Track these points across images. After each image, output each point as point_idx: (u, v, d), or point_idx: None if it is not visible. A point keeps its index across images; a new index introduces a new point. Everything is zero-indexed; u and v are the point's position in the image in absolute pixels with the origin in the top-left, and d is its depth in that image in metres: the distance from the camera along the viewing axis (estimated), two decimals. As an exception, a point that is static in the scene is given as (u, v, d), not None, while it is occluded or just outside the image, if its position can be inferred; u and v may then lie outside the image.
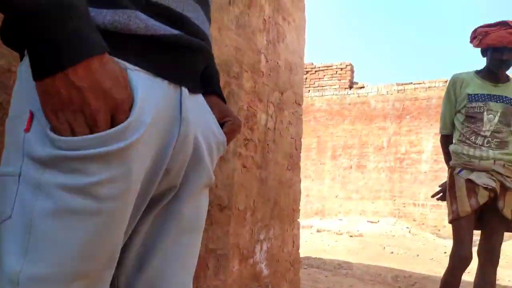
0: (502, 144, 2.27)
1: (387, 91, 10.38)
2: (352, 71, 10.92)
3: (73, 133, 0.51)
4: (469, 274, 2.73)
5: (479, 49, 2.41)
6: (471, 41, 2.40)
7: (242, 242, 2.41)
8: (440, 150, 2.73)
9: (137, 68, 0.59)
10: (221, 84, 1.42)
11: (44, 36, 0.48)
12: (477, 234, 2.33)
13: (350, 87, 10.84)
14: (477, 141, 2.29)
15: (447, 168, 2.46)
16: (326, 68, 11.03)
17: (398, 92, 10.23)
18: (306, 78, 11.27)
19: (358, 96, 10.66)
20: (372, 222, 9.72)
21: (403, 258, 6.16)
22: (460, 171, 2.33)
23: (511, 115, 2.29)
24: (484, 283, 2.26)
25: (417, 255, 6.41)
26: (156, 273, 0.69)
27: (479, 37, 2.30)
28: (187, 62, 0.68)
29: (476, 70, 2.43)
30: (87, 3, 0.52)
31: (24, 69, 0.57)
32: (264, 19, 2.54)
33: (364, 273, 4.77)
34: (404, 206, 9.94)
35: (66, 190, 0.52)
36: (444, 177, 2.72)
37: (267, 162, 2.75)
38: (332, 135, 10.88)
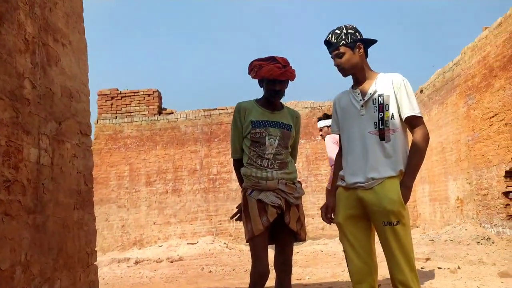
0: (283, 165, 2.49)
1: (195, 116, 10.75)
2: (159, 97, 10.91)
3: None
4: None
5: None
6: (249, 73, 2.58)
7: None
8: None
9: None
10: None
11: None
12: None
13: (160, 113, 10.80)
14: (262, 164, 2.45)
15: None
16: (133, 94, 10.70)
17: (205, 117, 10.73)
18: (112, 104, 10.66)
19: (168, 122, 10.69)
20: (191, 243, 9.75)
21: (220, 275, 6.32)
22: (251, 192, 2.46)
23: (287, 139, 2.54)
24: None
25: (233, 270, 6.69)
26: None
27: (255, 69, 2.50)
28: None
29: (256, 99, 2.63)
30: None
31: None
32: (25, 38, 2.18)
33: (180, 301, 4.64)
34: (220, 223, 10.37)
35: None
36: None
37: (43, 205, 2.33)
38: (145, 161, 10.56)
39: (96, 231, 3.08)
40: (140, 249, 10.02)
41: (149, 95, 10.69)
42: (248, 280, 2.43)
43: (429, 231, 9.19)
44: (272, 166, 2.46)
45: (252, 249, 2.43)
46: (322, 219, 2.32)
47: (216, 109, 10.75)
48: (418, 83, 11.33)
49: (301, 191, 2.57)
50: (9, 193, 2.01)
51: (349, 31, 2.13)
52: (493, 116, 6.85)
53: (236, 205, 2.70)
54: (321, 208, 2.34)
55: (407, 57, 40.61)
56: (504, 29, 6.47)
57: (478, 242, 6.73)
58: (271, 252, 2.43)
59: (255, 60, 2.54)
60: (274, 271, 2.52)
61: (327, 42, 2.15)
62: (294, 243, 2.63)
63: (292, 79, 2.55)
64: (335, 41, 2.11)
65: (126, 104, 10.67)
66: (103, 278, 6.21)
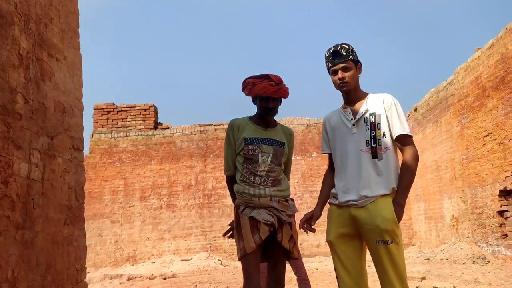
0: (275, 182, 2.48)
1: (191, 132, 10.76)
2: (156, 112, 10.93)
3: None
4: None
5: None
6: (243, 90, 2.58)
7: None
8: None
9: None
10: None
11: None
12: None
13: (155, 128, 10.80)
14: (255, 181, 2.44)
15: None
16: (129, 108, 10.73)
17: (201, 133, 10.74)
18: (108, 119, 10.67)
19: (164, 136, 10.69)
20: (185, 260, 9.63)
21: (213, 293, 6.22)
22: (243, 209, 2.43)
23: (280, 156, 2.53)
24: None
25: (227, 287, 6.59)
26: None
27: (249, 87, 2.50)
28: None
29: (250, 116, 2.62)
30: None
31: None
32: (19, 53, 2.19)
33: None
34: (215, 240, 10.26)
35: None
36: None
37: (32, 220, 2.31)
38: (140, 176, 10.50)
39: (86, 247, 3.04)
40: (133, 265, 9.88)
41: (145, 109, 10.71)
42: (240, 298, 2.39)
43: (425, 250, 9.14)
44: (265, 183, 2.45)
45: (244, 267, 2.40)
46: (301, 224, 2.29)
47: (212, 124, 10.78)
48: (411, 102, 11.43)
49: (294, 209, 2.55)
50: (-3, 208, 1.99)
51: (353, 49, 2.17)
52: (486, 135, 6.90)
53: (231, 221, 2.68)
54: (305, 214, 2.32)
55: (401, 76, 41.09)
56: (496, 51, 6.58)
57: (474, 261, 6.69)
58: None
59: (248, 78, 2.55)
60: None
61: (337, 53, 2.13)
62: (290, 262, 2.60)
63: (285, 97, 2.56)
64: (345, 53, 2.12)
65: (122, 119, 10.68)
66: (94, 295, 6.10)
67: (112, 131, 10.62)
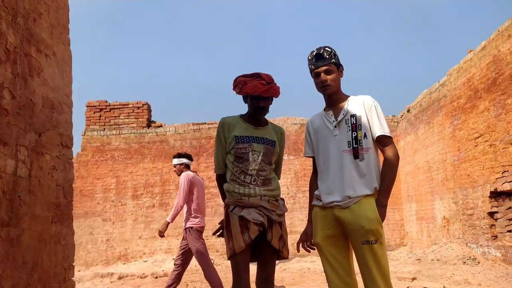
0: (266, 181, 2.47)
1: (184, 130, 10.72)
2: (149, 110, 10.87)
3: None
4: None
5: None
6: (234, 89, 2.57)
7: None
8: None
9: None
10: None
11: None
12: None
13: (148, 126, 10.74)
14: (245, 180, 2.43)
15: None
16: (122, 106, 10.65)
17: (194, 131, 10.71)
18: (100, 116, 10.59)
19: (157, 135, 10.64)
20: (177, 259, 9.59)
21: (205, 292, 6.21)
22: (233, 209, 2.42)
23: (271, 155, 2.52)
24: None
25: (218, 287, 6.58)
26: None
27: (239, 85, 2.49)
28: None
29: (241, 114, 2.61)
30: None
31: None
32: (6, 48, 2.15)
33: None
34: (207, 239, 10.22)
35: None
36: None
37: (19, 218, 2.27)
38: (132, 174, 10.44)
39: (74, 245, 3.00)
40: (124, 264, 9.82)
41: (138, 107, 10.65)
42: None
43: (416, 250, 9.18)
44: (255, 183, 2.44)
45: (233, 267, 2.39)
46: (302, 247, 2.30)
47: (205, 123, 10.74)
48: (404, 102, 11.47)
49: (284, 208, 2.55)
50: (-19, 205, 1.96)
51: (336, 53, 2.19)
52: (478, 137, 6.94)
53: (220, 220, 2.66)
54: (301, 235, 2.32)
55: (394, 76, 41.28)
56: (488, 52, 6.62)
57: (464, 262, 6.73)
58: (252, 269, 2.39)
59: (239, 76, 2.54)
60: (255, 289, 2.48)
61: (319, 56, 2.16)
62: (281, 261, 2.60)
63: (276, 96, 2.56)
64: (327, 56, 2.15)
65: (115, 116, 10.61)
66: (84, 294, 6.05)
67: (104, 128, 10.55)
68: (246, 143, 2.47)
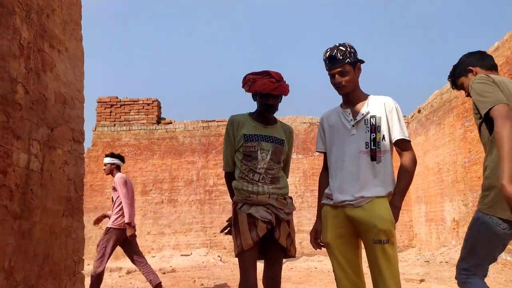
0: (274, 180, 2.47)
1: (193, 127, 10.76)
2: (159, 106, 10.94)
3: None
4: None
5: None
6: (243, 87, 2.57)
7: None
8: None
9: None
10: None
11: None
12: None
13: (158, 122, 10.81)
14: (254, 178, 2.43)
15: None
16: (132, 102, 10.73)
17: (203, 129, 10.75)
18: (111, 112, 10.68)
19: (167, 131, 10.70)
20: (185, 255, 9.65)
21: (212, 289, 6.24)
22: (241, 206, 2.43)
23: (280, 153, 2.52)
24: None
25: (226, 284, 6.61)
26: None
27: (249, 83, 2.49)
28: None
29: (250, 112, 2.61)
30: None
31: None
32: (20, 43, 2.18)
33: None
34: (215, 236, 10.27)
35: None
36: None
37: (30, 211, 2.31)
38: (142, 170, 10.52)
39: (84, 239, 3.04)
40: (132, 259, 9.90)
41: (148, 104, 10.72)
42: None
43: (425, 252, 9.11)
44: (263, 181, 2.44)
45: (240, 264, 2.40)
46: (311, 243, 2.29)
47: (214, 120, 10.77)
48: (414, 103, 11.38)
49: (292, 207, 2.55)
50: (-5, 197, 2.00)
51: (352, 49, 2.11)
52: (490, 138, 6.85)
53: (228, 218, 2.67)
54: (310, 233, 2.32)
55: (404, 77, 40.92)
56: (501, 54, 6.53)
57: (473, 265, 6.65)
58: (260, 267, 2.39)
59: (249, 74, 2.54)
60: (262, 286, 2.48)
61: (332, 57, 2.10)
62: (288, 259, 2.60)
63: (286, 94, 2.55)
64: (341, 57, 2.08)
65: (125, 112, 10.69)
66: (92, 288, 6.11)
67: (115, 124, 10.64)
68: (255, 141, 2.47)
